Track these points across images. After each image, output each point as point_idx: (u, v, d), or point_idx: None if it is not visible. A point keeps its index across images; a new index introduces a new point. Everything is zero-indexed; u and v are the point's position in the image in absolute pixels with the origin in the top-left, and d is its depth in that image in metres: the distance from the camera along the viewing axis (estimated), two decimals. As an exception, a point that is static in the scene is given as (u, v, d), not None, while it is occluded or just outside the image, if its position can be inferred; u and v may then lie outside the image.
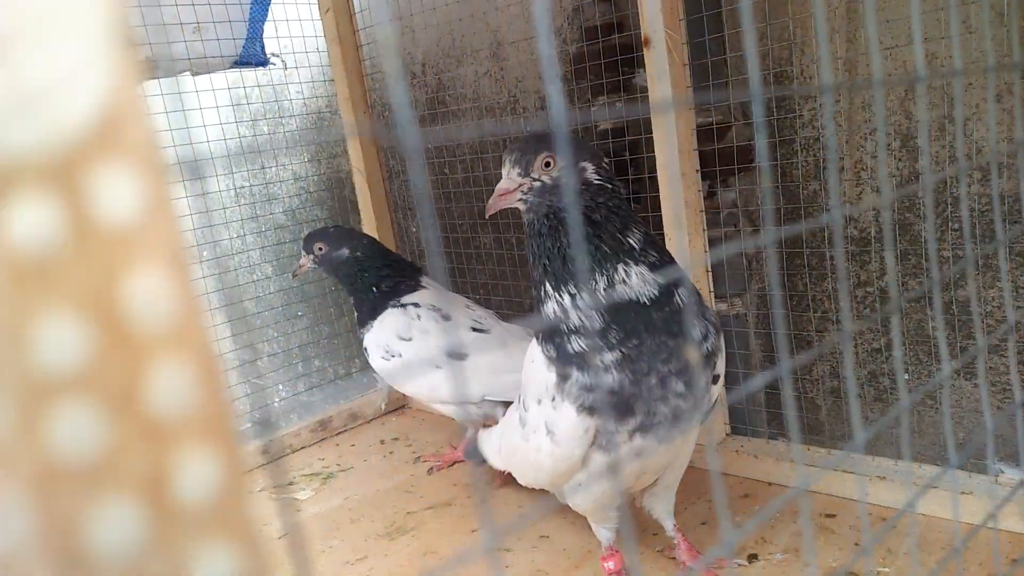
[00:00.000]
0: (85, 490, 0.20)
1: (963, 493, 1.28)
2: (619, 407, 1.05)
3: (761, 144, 1.44)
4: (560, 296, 1.08)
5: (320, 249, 1.80)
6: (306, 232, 1.90)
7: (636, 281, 1.05)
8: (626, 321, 1.03)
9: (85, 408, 0.20)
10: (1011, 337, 0.99)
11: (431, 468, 1.83)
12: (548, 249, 1.08)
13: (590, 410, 1.06)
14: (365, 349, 1.78)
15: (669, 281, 1.07)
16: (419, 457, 1.92)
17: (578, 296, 1.06)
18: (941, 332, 0.92)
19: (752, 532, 1.37)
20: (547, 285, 1.09)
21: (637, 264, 1.07)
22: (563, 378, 1.08)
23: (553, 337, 1.10)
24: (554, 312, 1.09)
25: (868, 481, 1.38)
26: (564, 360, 1.08)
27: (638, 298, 1.04)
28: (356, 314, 1.83)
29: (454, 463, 1.84)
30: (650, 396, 1.04)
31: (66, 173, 0.20)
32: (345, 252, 1.79)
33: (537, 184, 1.07)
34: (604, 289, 1.05)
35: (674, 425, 1.07)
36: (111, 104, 0.21)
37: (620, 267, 1.05)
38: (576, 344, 1.06)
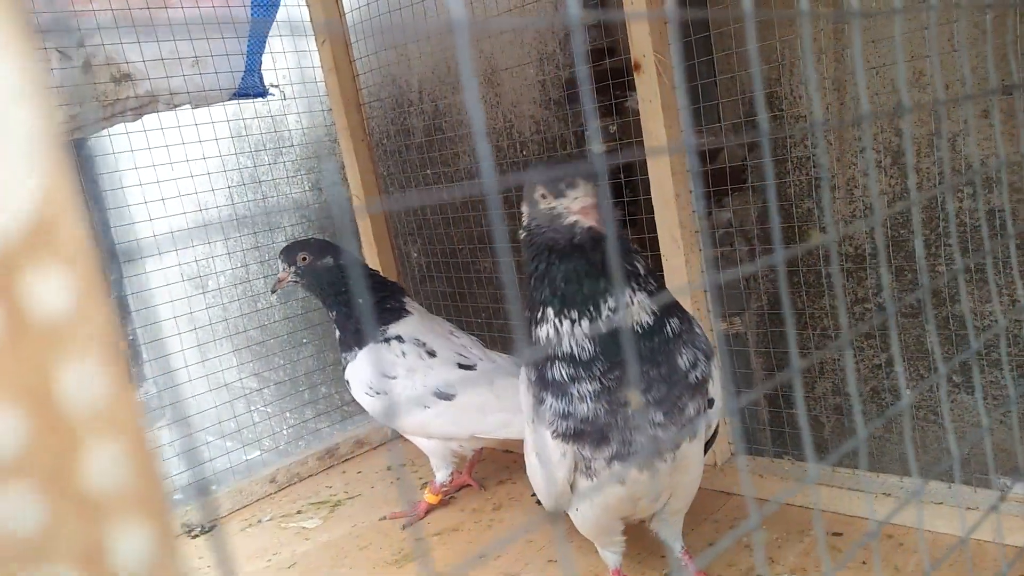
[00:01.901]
0: (26, 566, 0.22)
1: (969, 509, 1.28)
2: (593, 435, 1.05)
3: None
4: (560, 321, 1.07)
5: (304, 259, 1.72)
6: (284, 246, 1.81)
7: (636, 309, 1.05)
8: (613, 354, 1.03)
9: (23, 489, 0.22)
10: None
11: (404, 525, 1.74)
12: (566, 271, 1.05)
13: (564, 436, 1.07)
14: (347, 381, 1.74)
15: (663, 309, 1.07)
16: (383, 517, 1.80)
17: (577, 323, 1.05)
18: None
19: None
20: (549, 309, 1.08)
21: (641, 290, 1.07)
22: (539, 401, 1.09)
23: (536, 362, 1.10)
24: (547, 336, 1.08)
25: (874, 498, 1.38)
26: (541, 384, 1.09)
27: (633, 326, 1.04)
28: (339, 334, 1.76)
29: (428, 512, 1.77)
30: (626, 426, 1.04)
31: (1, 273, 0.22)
32: (330, 260, 1.72)
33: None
34: (607, 316, 1.04)
35: (654, 455, 1.07)
36: (43, 207, 0.23)
37: (627, 292, 1.05)
38: (558, 371, 1.06)
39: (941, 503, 1.30)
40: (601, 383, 1.03)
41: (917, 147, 1.28)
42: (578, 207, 1.02)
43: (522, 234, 1.11)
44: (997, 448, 1.30)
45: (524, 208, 1.10)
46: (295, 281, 1.77)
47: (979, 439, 1.32)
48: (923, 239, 1.31)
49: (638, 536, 1.37)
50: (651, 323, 1.05)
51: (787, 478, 1.49)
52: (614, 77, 1.63)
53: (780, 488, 1.49)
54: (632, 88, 1.52)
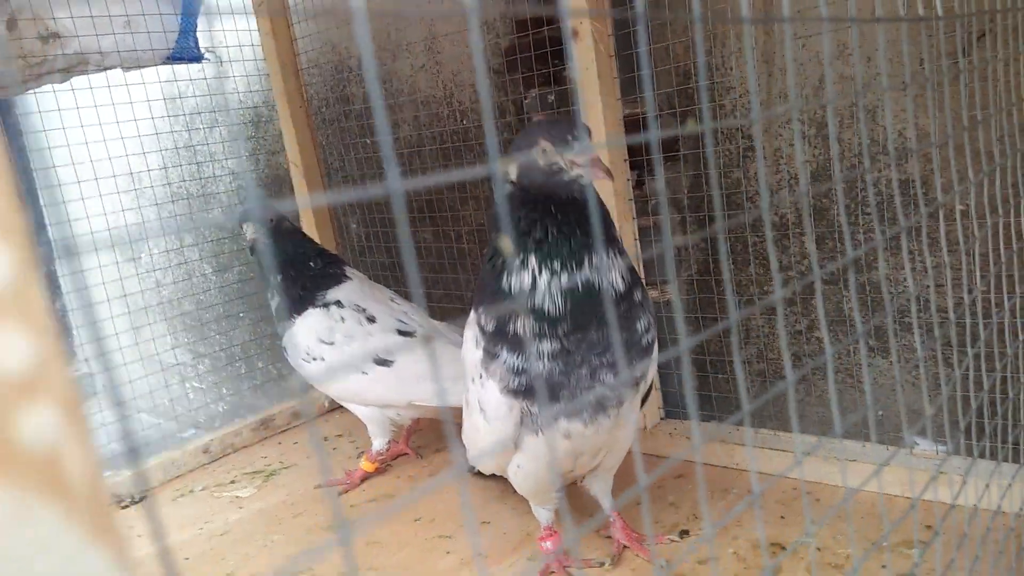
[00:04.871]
0: None
1: (881, 465, 1.34)
2: (543, 392, 1.07)
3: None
4: (540, 272, 1.05)
5: (271, 221, 1.73)
6: (242, 209, 1.82)
7: (615, 274, 1.07)
8: (580, 314, 1.04)
9: None
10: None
11: (340, 492, 1.73)
12: (559, 223, 1.04)
13: (514, 392, 1.08)
14: (284, 348, 1.73)
15: (633, 276, 1.10)
16: (319, 485, 1.78)
17: (558, 275, 1.04)
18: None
19: (683, 510, 1.41)
20: (532, 257, 1.06)
21: (620, 256, 1.09)
22: (491, 356, 1.09)
23: (499, 314, 1.09)
24: (521, 286, 1.06)
25: (792, 456, 1.43)
26: (497, 338, 1.08)
27: (609, 288, 1.06)
28: (280, 300, 1.75)
29: (364, 479, 1.76)
30: (577, 385, 1.06)
31: None
32: (287, 224, 1.78)
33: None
34: (589, 273, 1.05)
35: (599, 410, 1.10)
36: None
37: (610, 253, 1.08)
38: (522, 326, 1.05)
39: (855, 460, 1.36)
40: (562, 344, 1.04)
41: (840, 119, 1.33)
42: (584, 159, 1.03)
43: (507, 189, 1.07)
44: (907, 408, 1.37)
45: (510, 165, 1.06)
46: (250, 246, 1.73)
47: (893, 400, 1.39)
48: (844, 207, 1.36)
49: (569, 496, 1.40)
50: (623, 289, 1.07)
51: (713, 440, 1.53)
52: (552, 45, 1.64)
53: (706, 449, 1.54)
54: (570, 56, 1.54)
